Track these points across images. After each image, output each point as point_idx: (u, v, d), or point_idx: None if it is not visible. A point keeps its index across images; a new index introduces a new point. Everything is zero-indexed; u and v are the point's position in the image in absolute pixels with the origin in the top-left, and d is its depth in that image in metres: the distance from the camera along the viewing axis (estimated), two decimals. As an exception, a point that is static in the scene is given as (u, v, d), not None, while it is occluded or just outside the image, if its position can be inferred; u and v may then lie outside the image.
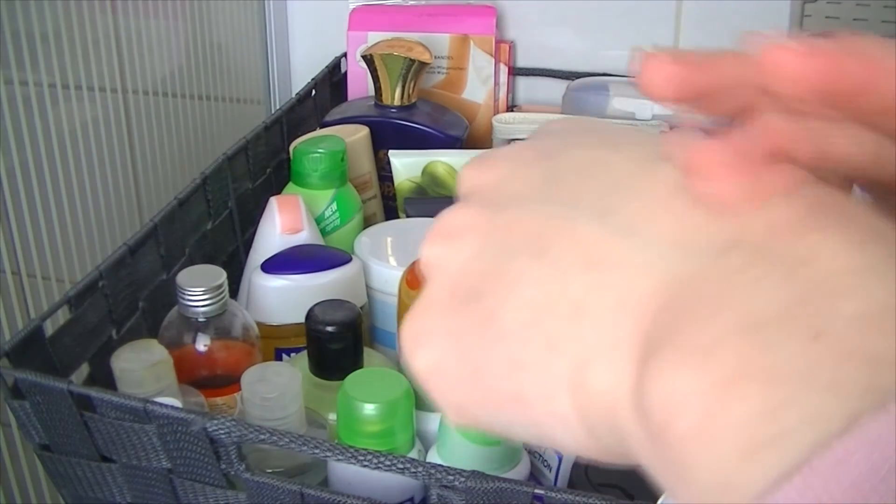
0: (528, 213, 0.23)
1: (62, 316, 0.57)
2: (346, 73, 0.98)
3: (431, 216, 0.78)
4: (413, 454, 0.54)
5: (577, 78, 0.96)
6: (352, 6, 0.97)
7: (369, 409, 0.51)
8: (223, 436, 0.48)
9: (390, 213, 0.87)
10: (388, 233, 0.76)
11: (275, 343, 0.67)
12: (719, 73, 0.23)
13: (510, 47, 0.97)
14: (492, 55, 0.95)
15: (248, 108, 1.05)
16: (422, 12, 0.95)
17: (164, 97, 0.91)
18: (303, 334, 0.60)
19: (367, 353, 0.61)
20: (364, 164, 0.85)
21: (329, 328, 0.58)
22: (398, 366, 0.60)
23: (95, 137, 0.81)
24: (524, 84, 1.02)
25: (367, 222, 0.81)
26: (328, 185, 0.76)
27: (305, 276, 0.67)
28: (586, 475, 0.57)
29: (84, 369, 0.59)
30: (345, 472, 0.52)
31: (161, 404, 0.49)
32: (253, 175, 0.79)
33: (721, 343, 0.17)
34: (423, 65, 0.87)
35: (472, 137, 0.93)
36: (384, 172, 0.86)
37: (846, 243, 0.18)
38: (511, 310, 0.22)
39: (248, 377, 0.54)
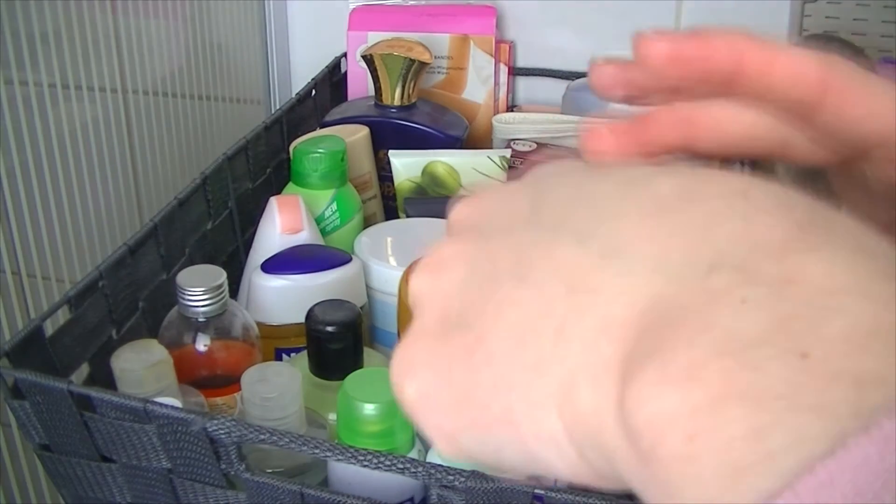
0: (512, 240, 0.23)
1: (62, 316, 0.57)
2: (346, 73, 0.98)
3: (431, 216, 0.78)
4: (413, 454, 0.54)
5: (577, 78, 0.96)
6: (352, 6, 0.97)
7: (369, 409, 0.51)
8: (223, 436, 0.48)
9: (390, 213, 0.87)
10: (388, 233, 0.76)
11: (275, 343, 0.67)
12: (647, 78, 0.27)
13: (510, 47, 0.97)
14: (492, 55, 0.95)
15: (248, 108, 1.05)
16: (422, 12, 0.95)
17: (164, 97, 0.91)
18: (303, 334, 0.60)
19: (367, 353, 0.61)
20: (364, 164, 0.85)
21: (329, 328, 0.58)
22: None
23: (95, 137, 0.81)
24: (524, 84, 1.02)
25: (367, 222, 0.81)
26: (328, 185, 0.76)
27: (305, 276, 0.67)
28: (586, 475, 0.57)
29: (84, 369, 0.59)
30: (345, 472, 0.52)
31: (161, 404, 0.49)
32: (253, 175, 0.79)
33: (706, 364, 0.17)
34: (423, 65, 0.87)
35: (472, 137, 0.93)
36: (384, 172, 0.86)
37: (832, 262, 0.18)
38: (497, 334, 0.22)
39: (248, 377, 0.54)
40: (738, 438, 0.16)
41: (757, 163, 0.29)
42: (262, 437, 0.47)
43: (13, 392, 0.51)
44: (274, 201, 0.72)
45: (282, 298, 0.67)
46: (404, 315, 0.65)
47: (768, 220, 0.19)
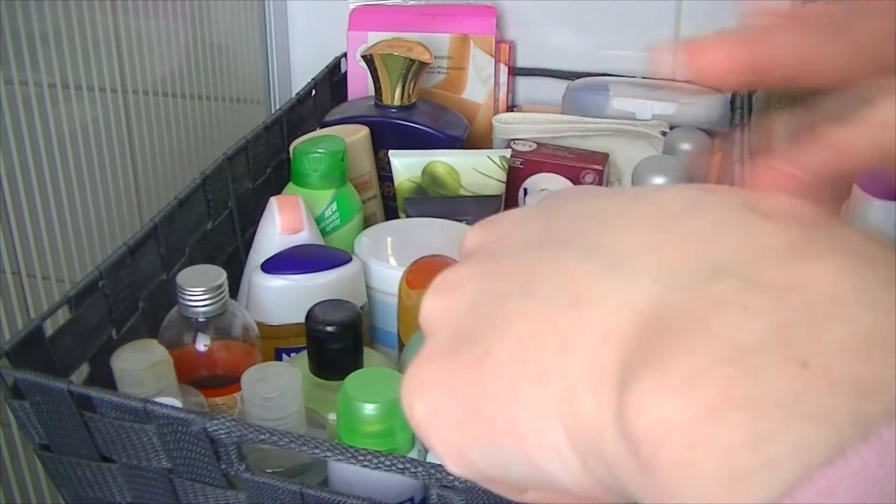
0: (522, 259, 0.23)
1: (62, 316, 0.57)
2: (346, 73, 0.98)
3: (431, 216, 0.78)
4: (413, 454, 0.54)
5: (577, 78, 0.96)
6: (352, 6, 0.97)
7: (369, 409, 0.51)
8: (223, 436, 0.48)
9: (390, 213, 0.87)
10: (388, 233, 0.76)
11: (275, 343, 0.67)
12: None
13: (510, 47, 0.97)
14: (492, 55, 0.95)
15: (248, 108, 1.05)
16: (422, 12, 0.95)
17: (164, 97, 0.91)
18: (303, 334, 0.60)
19: (367, 353, 0.61)
20: (364, 164, 0.85)
21: (329, 328, 0.58)
22: (398, 366, 0.60)
23: (95, 137, 0.81)
24: (524, 84, 1.02)
25: (367, 222, 0.81)
26: (328, 185, 0.76)
27: (305, 276, 0.67)
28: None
29: (84, 369, 0.59)
30: (345, 472, 0.52)
31: (161, 404, 0.49)
32: (253, 175, 0.79)
33: (705, 371, 0.17)
34: (423, 65, 0.87)
35: (472, 137, 0.93)
36: (384, 172, 0.86)
37: (834, 270, 0.18)
38: (503, 348, 0.22)
39: (248, 377, 0.54)
40: (738, 446, 0.16)
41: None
42: (262, 437, 0.47)
43: (13, 392, 0.51)
44: (274, 201, 0.72)
45: (282, 298, 0.67)
46: (404, 315, 0.65)
47: (770, 228, 0.19)
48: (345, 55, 0.98)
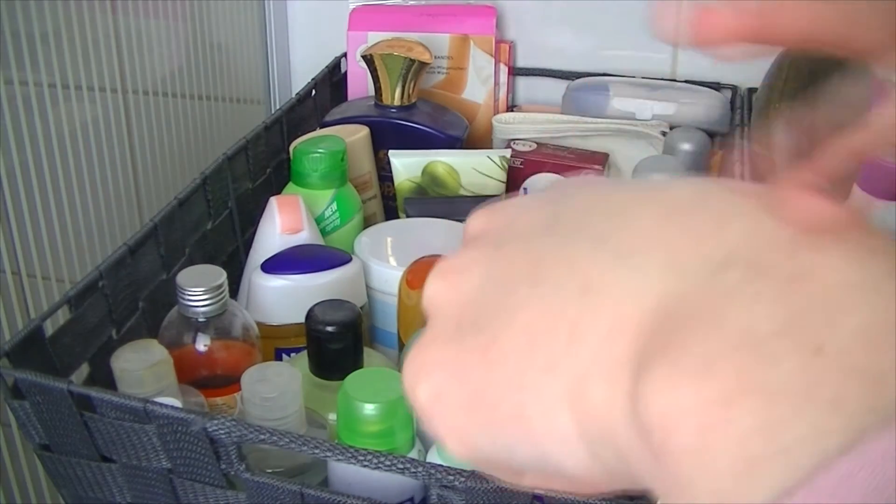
0: (529, 247, 0.23)
1: (62, 316, 0.57)
2: (346, 73, 0.98)
3: (431, 216, 0.78)
4: (413, 454, 0.54)
5: (577, 78, 0.96)
6: (352, 6, 0.97)
7: (369, 409, 0.51)
8: (223, 436, 0.48)
9: (390, 213, 0.87)
10: (388, 233, 0.76)
11: (275, 343, 0.67)
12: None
13: (510, 47, 0.97)
14: (492, 55, 0.95)
15: (248, 108, 1.05)
16: (422, 12, 0.95)
17: (164, 97, 0.91)
18: (303, 334, 0.60)
19: (367, 353, 0.61)
20: (364, 164, 0.85)
21: (329, 328, 0.58)
22: (398, 366, 0.60)
23: (95, 137, 0.81)
24: (524, 84, 1.02)
25: (367, 222, 0.81)
26: (328, 185, 0.76)
27: (305, 276, 0.67)
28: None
29: (84, 369, 0.59)
30: (345, 472, 0.52)
31: (161, 404, 0.49)
32: (253, 175, 0.79)
33: (719, 358, 0.17)
34: (423, 65, 0.87)
35: (472, 137, 0.93)
36: (384, 172, 0.86)
37: (844, 260, 0.18)
38: (510, 335, 0.22)
39: (248, 377, 0.54)
40: (753, 432, 0.16)
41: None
42: (262, 437, 0.47)
43: (13, 392, 0.51)
44: (274, 201, 0.72)
45: (282, 298, 0.67)
46: (404, 315, 0.65)
47: (776, 220, 0.19)
48: (345, 55, 0.98)
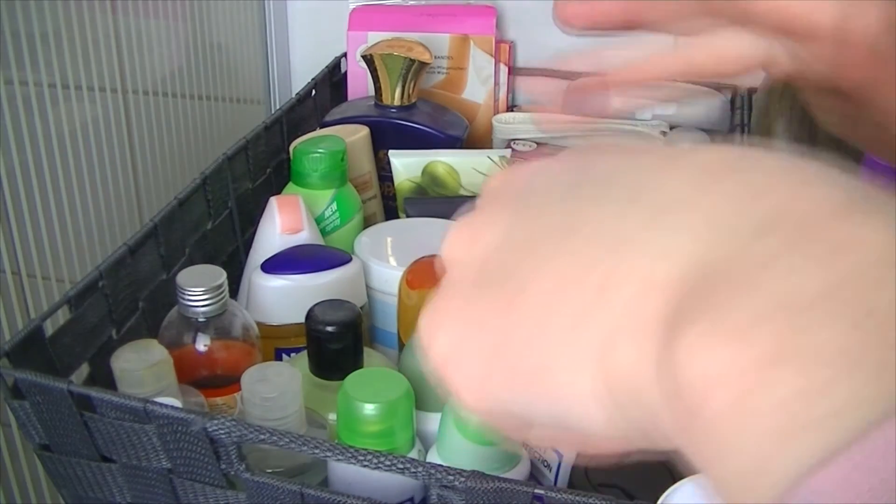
0: (555, 204, 0.23)
1: (62, 316, 0.57)
2: (346, 73, 0.98)
3: (431, 216, 0.78)
4: (413, 454, 0.54)
5: (577, 78, 0.96)
6: (352, 6, 0.97)
7: (369, 409, 0.51)
8: (223, 436, 0.48)
9: (390, 213, 0.87)
10: (388, 233, 0.76)
11: (275, 343, 0.67)
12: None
13: (510, 47, 0.97)
14: (492, 55, 0.95)
15: (248, 108, 1.05)
16: (422, 12, 0.95)
17: (164, 97, 0.91)
18: (303, 334, 0.60)
19: (367, 353, 0.61)
20: (364, 164, 0.85)
21: (329, 328, 0.58)
22: (398, 366, 0.60)
23: (95, 137, 0.81)
24: (524, 84, 1.02)
25: (367, 222, 0.81)
26: (328, 185, 0.76)
27: (305, 276, 0.67)
28: (586, 475, 0.57)
29: (84, 369, 0.59)
30: (345, 472, 0.52)
31: (161, 404, 0.49)
32: (253, 175, 0.79)
33: (761, 321, 0.17)
34: (423, 65, 0.87)
35: (472, 137, 0.93)
36: (384, 172, 0.86)
37: (885, 231, 0.18)
38: (536, 289, 0.22)
39: (248, 377, 0.54)
40: (793, 397, 0.16)
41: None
42: (262, 437, 0.47)
43: (13, 392, 0.51)
44: (274, 201, 0.72)
45: (282, 298, 0.67)
46: (404, 315, 0.65)
47: (820, 189, 0.19)
48: (345, 55, 0.98)
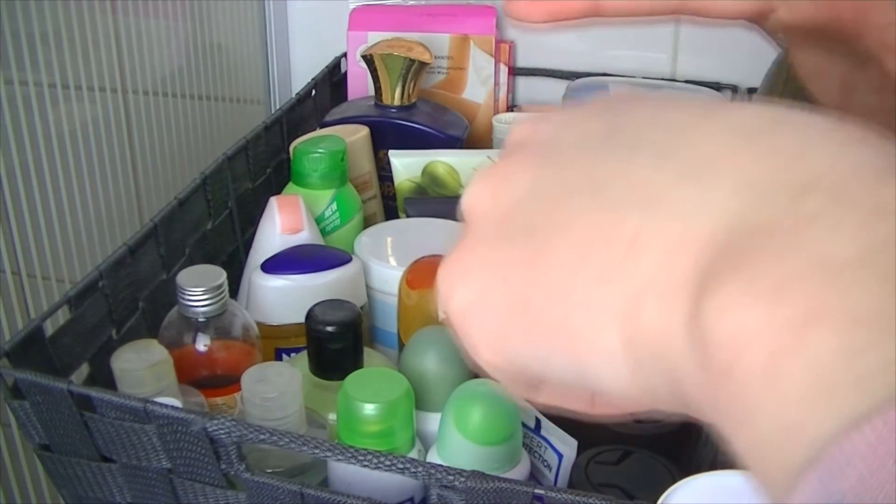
0: (585, 156, 0.22)
1: (62, 316, 0.57)
2: (346, 73, 0.98)
3: (431, 216, 0.78)
4: (413, 454, 0.54)
5: (577, 78, 0.96)
6: (352, 6, 0.97)
7: (369, 409, 0.51)
8: (223, 436, 0.48)
9: (390, 213, 0.87)
10: (388, 233, 0.76)
11: (275, 343, 0.67)
12: None
13: (510, 47, 0.97)
14: (492, 55, 0.95)
15: (248, 108, 1.05)
16: (422, 12, 0.95)
17: (164, 97, 0.91)
18: (303, 334, 0.60)
19: (367, 353, 0.61)
20: (364, 164, 0.85)
21: (329, 328, 0.58)
22: (398, 366, 0.60)
23: (95, 137, 0.81)
24: (524, 84, 1.02)
25: (367, 222, 0.81)
26: (328, 185, 0.76)
27: (305, 276, 0.67)
28: (586, 475, 0.57)
29: (84, 369, 0.59)
30: (345, 472, 0.52)
31: (161, 404, 0.49)
32: (253, 175, 0.79)
33: (797, 281, 0.16)
34: (423, 65, 0.87)
35: (472, 137, 0.93)
36: (384, 172, 0.86)
37: None
38: (562, 243, 0.21)
39: (248, 377, 0.54)
40: (827, 358, 0.15)
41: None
42: (262, 437, 0.47)
43: (13, 392, 0.51)
44: (274, 201, 0.72)
45: (282, 298, 0.67)
46: (404, 315, 0.65)
47: (863, 150, 0.19)
48: (345, 55, 0.98)
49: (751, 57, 0.75)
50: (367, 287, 0.70)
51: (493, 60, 0.95)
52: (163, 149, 0.91)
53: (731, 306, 0.17)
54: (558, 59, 1.00)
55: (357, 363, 0.59)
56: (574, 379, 0.22)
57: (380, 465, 0.46)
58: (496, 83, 0.96)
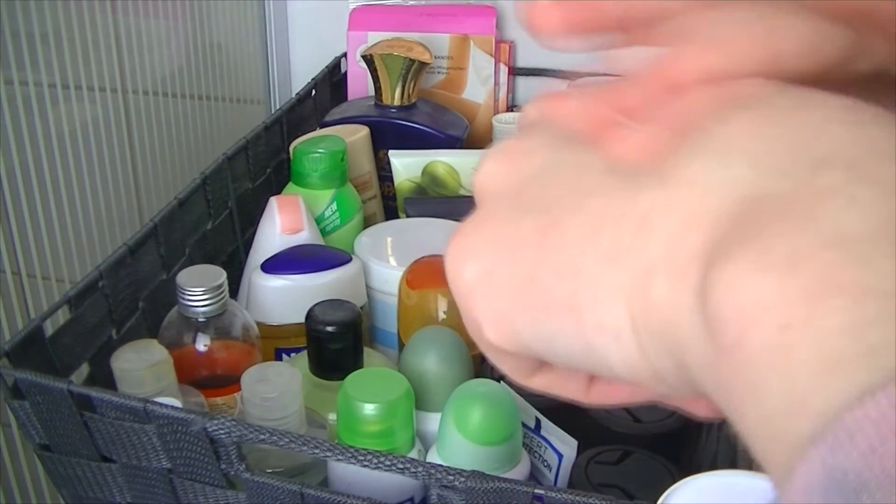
0: None
1: (62, 316, 0.57)
2: (346, 73, 0.98)
3: (431, 216, 0.78)
4: (413, 454, 0.54)
5: (577, 78, 0.96)
6: (352, 6, 0.97)
7: (369, 409, 0.51)
8: (223, 436, 0.48)
9: (390, 213, 0.87)
10: (388, 233, 0.76)
11: (275, 343, 0.67)
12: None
13: (510, 47, 0.97)
14: (492, 55, 0.95)
15: (248, 108, 1.05)
16: (422, 12, 0.95)
17: (164, 97, 0.91)
18: (303, 334, 0.60)
19: (367, 353, 0.61)
20: (364, 164, 0.85)
21: (329, 328, 0.58)
22: (398, 366, 0.60)
23: (95, 137, 0.81)
24: (524, 84, 1.02)
25: (367, 222, 0.81)
26: (328, 185, 0.76)
27: (305, 276, 0.67)
28: (586, 475, 0.57)
29: (84, 369, 0.59)
30: (345, 472, 0.52)
31: (161, 404, 0.49)
32: (253, 175, 0.79)
33: (808, 254, 0.16)
34: (423, 65, 0.87)
35: (472, 137, 0.93)
36: (384, 172, 0.86)
37: None
38: (574, 220, 0.21)
39: (248, 377, 0.54)
40: (837, 332, 0.15)
41: None
42: (262, 437, 0.47)
43: (13, 392, 0.51)
44: (274, 201, 0.72)
45: (282, 298, 0.67)
46: (404, 315, 0.65)
47: (879, 129, 0.18)
48: (345, 55, 0.98)
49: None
50: (367, 287, 0.70)
51: (493, 60, 0.95)
52: (163, 149, 0.91)
53: (739, 279, 0.17)
54: (558, 59, 0.99)
55: (357, 363, 0.59)
56: (580, 360, 0.22)
57: (380, 465, 0.46)
58: (496, 83, 0.96)
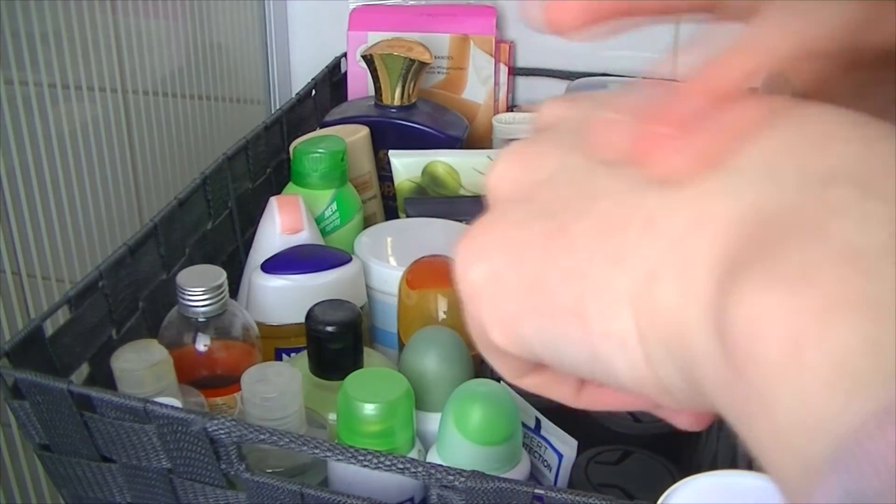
0: None
1: (62, 316, 0.57)
2: (346, 73, 0.98)
3: (431, 216, 0.78)
4: (413, 454, 0.54)
5: (577, 78, 0.96)
6: (352, 6, 0.97)
7: (369, 409, 0.51)
8: (223, 436, 0.48)
9: (390, 213, 0.87)
10: (388, 233, 0.76)
11: (275, 343, 0.67)
12: None
13: (510, 47, 0.97)
14: (492, 55, 0.95)
15: (248, 108, 1.05)
16: (422, 12, 0.95)
17: (164, 97, 0.91)
18: (303, 334, 0.60)
19: (367, 353, 0.61)
20: (364, 164, 0.85)
21: (329, 328, 0.58)
22: (398, 366, 0.60)
23: (95, 137, 0.81)
24: (524, 84, 1.02)
25: (367, 222, 0.81)
26: (328, 185, 0.76)
27: (305, 276, 0.67)
28: (586, 475, 0.57)
29: (84, 369, 0.59)
30: (345, 472, 0.52)
31: (161, 404, 0.49)
32: (253, 175, 0.79)
33: (821, 269, 0.16)
34: (423, 65, 0.87)
35: (472, 137, 0.93)
36: (384, 172, 0.86)
37: None
38: (581, 224, 0.21)
39: (248, 377, 0.54)
40: (850, 347, 0.15)
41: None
42: (262, 437, 0.47)
43: (13, 392, 0.51)
44: (274, 201, 0.72)
45: (282, 298, 0.67)
46: (404, 315, 0.65)
47: (888, 143, 0.18)
48: (345, 55, 0.98)
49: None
50: (367, 287, 0.70)
51: (493, 60, 0.95)
52: (163, 149, 0.91)
53: (753, 293, 0.17)
54: (558, 59, 1.00)
55: (357, 363, 0.59)
56: (586, 367, 0.21)
57: (380, 465, 0.46)
58: (496, 83, 0.96)
